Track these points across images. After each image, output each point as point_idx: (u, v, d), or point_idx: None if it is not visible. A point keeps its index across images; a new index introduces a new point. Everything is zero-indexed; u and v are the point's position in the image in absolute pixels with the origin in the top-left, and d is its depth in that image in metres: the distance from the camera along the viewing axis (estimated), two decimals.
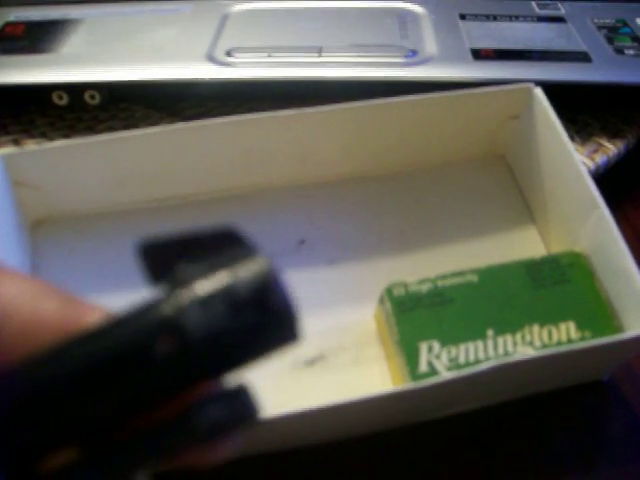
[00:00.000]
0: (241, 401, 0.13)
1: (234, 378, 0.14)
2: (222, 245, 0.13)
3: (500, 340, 0.33)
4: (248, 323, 0.12)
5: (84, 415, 0.13)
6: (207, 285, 0.13)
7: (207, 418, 0.13)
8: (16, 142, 0.47)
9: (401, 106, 0.37)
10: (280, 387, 0.34)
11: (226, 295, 0.12)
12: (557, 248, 0.38)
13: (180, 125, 0.36)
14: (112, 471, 0.13)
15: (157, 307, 0.13)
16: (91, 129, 0.48)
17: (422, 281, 0.34)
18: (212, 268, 0.13)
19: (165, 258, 0.13)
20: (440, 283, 0.34)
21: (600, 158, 0.44)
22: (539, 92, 0.37)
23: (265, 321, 0.13)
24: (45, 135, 0.48)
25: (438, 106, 0.38)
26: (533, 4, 0.51)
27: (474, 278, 0.34)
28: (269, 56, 0.45)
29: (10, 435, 0.12)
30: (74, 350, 0.13)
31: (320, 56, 0.45)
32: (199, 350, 0.12)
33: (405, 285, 0.34)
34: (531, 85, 0.38)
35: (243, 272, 0.13)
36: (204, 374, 0.13)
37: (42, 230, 0.38)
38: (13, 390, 0.13)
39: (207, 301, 0.12)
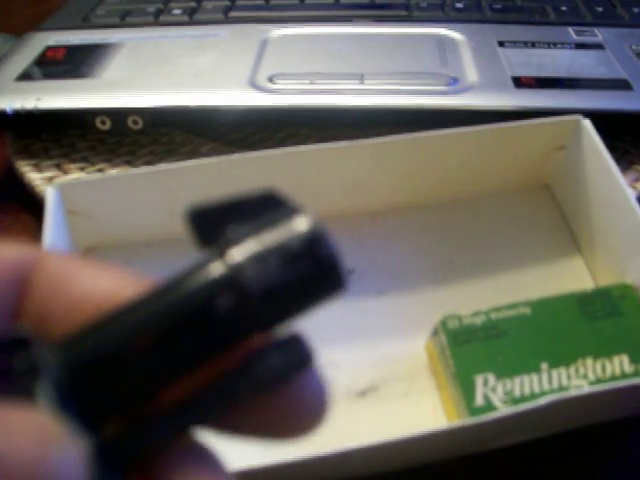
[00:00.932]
0: (296, 349, 0.14)
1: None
2: (267, 206, 0.14)
3: (554, 373, 0.33)
4: (301, 275, 0.13)
5: (150, 373, 0.13)
6: (259, 242, 0.13)
7: (266, 366, 0.14)
8: (58, 167, 0.48)
9: (450, 138, 0.37)
10: (332, 418, 0.34)
11: (278, 250, 0.13)
12: (604, 279, 0.38)
13: (234, 156, 0.36)
14: (176, 424, 0.14)
15: (214, 265, 0.13)
16: (132, 154, 0.48)
17: (476, 313, 0.34)
18: (262, 226, 0.14)
19: (213, 222, 0.14)
20: (494, 315, 0.34)
21: None
22: (587, 123, 0.38)
23: (316, 272, 0.13)
24: (86, 159, 0.48)
25: (486, 138, 0.38)
26: (570, 30, 0.52)
27: (527, 310, 0.34)
28: (311, 83, 0.46)
29: (80, 395, 0.13)
30: (137, 310, 0.14)
31: (362, 83, 0.45)
32: (257, 303, 0.13)
33: (459, 317, 0.34)
34: (580, 117, 0.38)
35: (291, 228, 0.13)
36: (261, 326, 0.14)
37: (93, 257, 0.38)
38: (79, 352, 0.13)
39: (261, 257, 0.13)
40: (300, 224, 0.13)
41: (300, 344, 0.14)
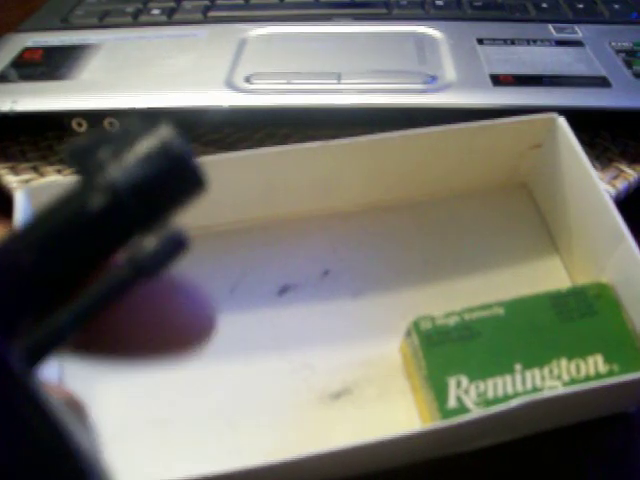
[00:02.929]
0: (173, 237, 0.15)
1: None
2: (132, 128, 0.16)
3: (528, 374, 0.33)
4: (160, 171, 0.15)
5: (47, 276, 0.15)
6: (120, 149, 0.15)
7: (145, 252, 0.15)
8: (35, 169, 0.47)
9: (424, 137, 0.37)
10: (306, 420, 0.34)
11: (137, 153, 0.15)
12: (581, 278, 0.38)
13: (204, 158, 0.36)
14: (74, 316, 0.15)
15: (84, 178, 0.15)
16: None
17: (449, 314, 0.34)
18: (122, 138, 0.15)
19: (88, 152, 0.15)
20: (467, 316, 0.34)
21: (621, 184, 0.44)
22: (563, 122, 0.37)
23: (173, 168, 0.15)
24: (64, 162, 0.48)
25: (461, 137, 0.37)
26: (550, 27, 0.51)
27: (500, 311, 0.34)
28: (288, 83, 0.45)
29: None
30: (28, 224, 0.15)
31: (339, 83, 0.45)
32: (127, 199, 0.15)
33: (432, 319, 0.34)
34: (555, 115, 0.37)
35: (147, 135, 0.15)
36: (137, 223, 0.15)
37: None
38: None
39: (123, 159, 0.15)
40: (154, 131, 0.15)
41: (176, 233, 0.15)
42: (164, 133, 0.15)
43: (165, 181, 0.15)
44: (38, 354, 0.15)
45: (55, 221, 0.15)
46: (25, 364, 0.14)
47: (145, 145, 0.15)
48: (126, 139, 0.15)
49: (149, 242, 0.15)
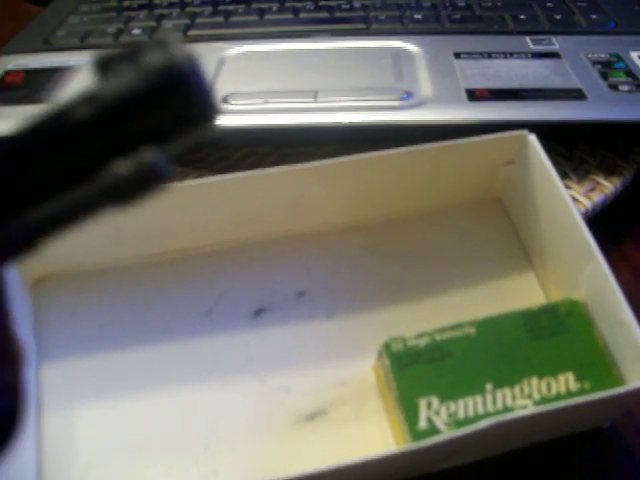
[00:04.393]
0: (150, 165, 0.14)
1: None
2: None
3: (499, 394, 0.33)
4: (154, 86, 0.14)
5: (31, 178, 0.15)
6: (115, 58, 0.14)
7: (114, 173, 0.14)
8: None
9: (396, 157, 0.37)
10: (281, 442, 0.34)
11: (132, 62, 0.14)
12: (556, 293, 0.38)
13: (176, 184, 0.36)
14: (38, 225, 0.15)
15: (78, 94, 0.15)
16: None
17: (420, 335, 0.34)
18: (122, 51, 0.15)
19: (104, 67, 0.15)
20: (438, 337, 0.34)
21: (597, 197, 0.44)
22: (533, 139, 0.37)
23: (171, 86, 0.14)
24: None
25: (433, 156, 0.38)
26: (527, 39, 0.52)
27: (472, 331, 0.34)
28: (265, 102, 0.45)
29: None
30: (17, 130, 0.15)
31: (316, 101, 0.45)
32: (108, 112, 0.14)
33: (403, 340, 0.34)
34: (525, 132, 0.38)
35: (151, 46, 0.14)
36: (117, 141, 0.14)
37: (44, 287, 0.38)
38: None
39: (115, 69, 0.14)
40: (162, 44, 0.14)
41: (156, 162, 0.14)
42: (173, 50, 0.14)
43: (159, 99, 0.14)
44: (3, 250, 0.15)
45: (42, 124, 0.15)
46: None
47: (146, 59, 0.14)
48: (133, 53, 0.14)
49: (122, 166, 0.14)
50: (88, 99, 0.14)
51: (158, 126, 0.14)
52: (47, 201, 0.15)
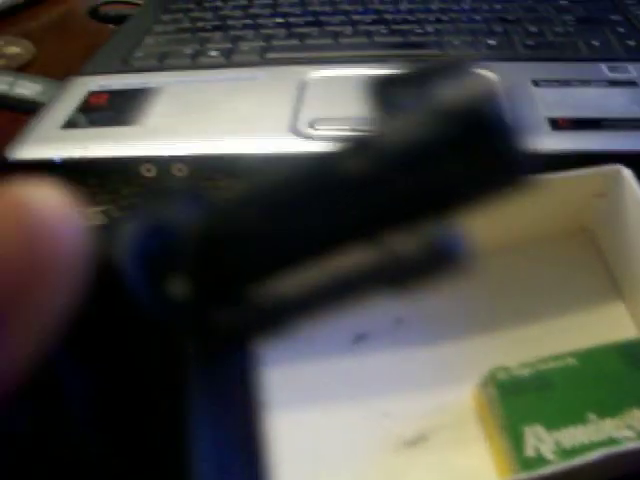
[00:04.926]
0: (442, 244, 0.12)
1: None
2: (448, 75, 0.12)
3: (602, 424, 0.34)
4: (449, 134, 0.11)
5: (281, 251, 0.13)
6: (396, 84, 0.12)
7: (395, 253, 0.12)
8: (106, 214, 0.49)
9: None
10: (383, 467, 0.35)
11: (426, 104, 0.11)
12: None
13: None
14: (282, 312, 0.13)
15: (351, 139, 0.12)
16: None
17: (523, 365, 0.35)
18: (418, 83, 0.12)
19: (391, 92, 0.12)
20: (541, 367, 0.35)
21: None
22: (628, 173, 0.38)
23: (478, 136, 0.11)
24: (133, 206, 0.49)
25: (526, 191, 0.38)
26: (603, 66, 0.52)
27: (573, 361, 0.35)
28: (353, 129, 0.46)
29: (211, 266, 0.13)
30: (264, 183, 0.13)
31: None
32: (393, 170, 0.11)
33: (507, 369, 0.35)
34: (620, 167, 0.38)
35: (444, 73, 0.11)
36: (399, 209, 0.12)
37: None
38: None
39: (404, 112, 0.11)
40: (465, 81, 0.11)
41: (449, 240, 0.12)
42: (477, 85, 0.11)
43: (458, 151, 0.11)
44: (234, 337, 0.13)
45: (302, 177, 0.12)
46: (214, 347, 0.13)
47: (444, 97, 0.11)
48: (424, 84, 0.12)
49: (406, 243, 0.12)
50: (363, 147, 0.12)
51: (450, 188, 0.12)
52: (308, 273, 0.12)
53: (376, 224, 0.12)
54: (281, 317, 0.13)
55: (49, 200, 0.12)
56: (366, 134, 0.12)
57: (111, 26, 0.73)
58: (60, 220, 0.12)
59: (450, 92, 0.11)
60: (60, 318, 0.12)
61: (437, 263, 0.12)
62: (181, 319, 0.13)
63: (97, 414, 0.13)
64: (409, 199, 0.12)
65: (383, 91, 0.12)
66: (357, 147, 0.12)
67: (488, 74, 0.12)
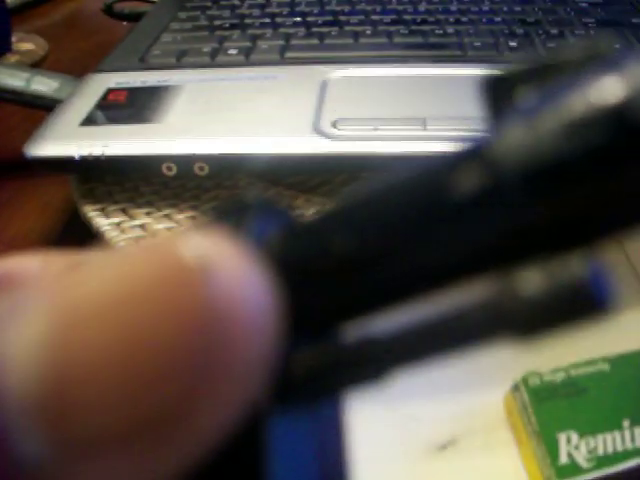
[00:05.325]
0: (587, 278, 0.09)
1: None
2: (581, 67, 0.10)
3: (637, 431, 0.33)
4: (590, 147, 0.09)
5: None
6: (526, 78, 0.10)
7: (523, 292, 0.09)
8: (124, 211, 0.49)
9: None
10: (415, 472, 0.35)
11: (557, 109, 0.09)
12: None
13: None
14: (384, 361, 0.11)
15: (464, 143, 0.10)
16: (197, 198, 0.49)
17: (555, 370, 0.35)
18: (549, 87, 0.10)
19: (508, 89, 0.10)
20: (573, 372, 0.35)
21: None
22: None
23: (623, 155, 0.09)
24: (152, 204, 0.49)
25: None
26: None
27: (605, 367, 0.35)
28: (375, 129, 0.46)
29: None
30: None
31: (424, 129, 0.46)
32: (519, 188, 0.09)
33: (540, 375, 0.34)
34: None
35: (589, 83, 0.09)
36: (531, 234, 0.09)
37: None
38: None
39: (534, 120, 0.09)
40: (603, 79, 0.09)
41: (596, 277, 0.09)
42: (620, 87, 0.09)
43: (614, 171, 0.09)
44: (314, 382, 0.11)
45: (393, 196, 0.10)
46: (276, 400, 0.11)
47: (578, 101, 0.09)
48: (554, 85, 0.09)
49: (535, 279, 0.09)
50: (481, 161, 0.10)
51: (599, 217, 0.09)
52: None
53: (492, 256, 0.10)
54: (373, 363, 0.11)
55: (225, 259, 0.09)
56: (480, 143, 0.10)
57: (125, 23, 0.73)
58: (246, 293, 0.09)
59: (598, 88, 0.09)
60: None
61: (577, 307, 0.09)
62: None
63: None
64: (536, 228, 0.09)
65: (500, 91, 0.10)
66: (470, 158, 0.10)
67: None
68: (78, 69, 0.58)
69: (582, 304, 0.09)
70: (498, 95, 0.11)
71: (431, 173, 0.10)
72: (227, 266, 0.09)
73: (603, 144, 0.09)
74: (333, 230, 0.11)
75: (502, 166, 0.09)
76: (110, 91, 0.53)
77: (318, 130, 0.47)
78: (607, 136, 0.09)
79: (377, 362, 0.11)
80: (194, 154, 0.46)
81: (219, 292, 0.08)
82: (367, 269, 0.10)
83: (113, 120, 0.50)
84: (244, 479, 0.11)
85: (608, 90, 0.09)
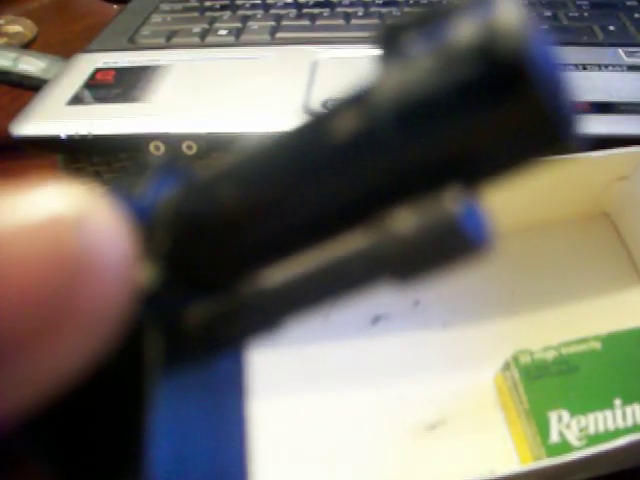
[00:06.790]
0: (451, 220, 0.09)
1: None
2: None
3: (628, 410, 0.33)
4: (461, 81, 0.09)
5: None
6: (408, 27, 0.10)
7: (396, 230, 0.09)
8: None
9: None
10: (404, 452, 0.34)
11: (438, 43, 0.09)
12: None
13: None
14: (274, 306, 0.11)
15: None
16: None
17: (547, 349, 0.34)
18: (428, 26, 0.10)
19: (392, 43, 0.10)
20: (564, 350, 0.34)
21: None
22: None
23: (513, 87, 0.08)
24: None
25: (547, 170, 0.38)
26: (620, 51, 0.52)
27: (597, 345, 0.34)
28: None
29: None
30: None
31: None
32: (389, 131, 0.09)
33: (531, 353, 0.34)
34: None
35: (468, 10, 0.09)
36: (400, 177, 0.10)
37: None
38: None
39: (408, 62, 0.09)
40: (485, 14, 0.09)
41: (467, 214, 0.09)
42: (509, 17, 0.08)
43: (481, 107, 0.09)
44: (210, 334, 0.11)
45: (279, 148, 0.11)
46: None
47: (447, 40, 0.09)
48: (431, 28, 0.09)
49: (408, 219, 0.09)
50: (357, 104, 0.10)
51: (472, 154, 0.09)
52: (290, 264, 0.11)
53: (373, 198, 0.10)
54: (266, 312, 0.11)
55: (96, 214, 0.09)
56: (360, 88, 0.10)
57: (116, 6, 0.72)
58: (110, 251, 0.09)
59: (470, 26, 0.09)
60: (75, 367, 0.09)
61: (452, 245, 0.09)
62: (150, 310, 0.11)
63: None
64: (413, 166, 0.09)
65: (391, 39, 0.10)
66: (349, 103, 0.10)
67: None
68: (67, 52, 0.57)
69: (456, 242, 0.09)
70: (388, 43, 0.10)
71: (316, 122, 0.10)
72: (94, 221, 0.09)
73: (469, 79, 0.09)
74: (221, 184, 0.11)
75: (377, 107, 0.09)
76: (98, 71, 0.52)
77: (308, 110, 0.46)
78: (472, 71, 0.09)
79: (270, 311, 0.11)
80: (182, 133, 0.46)
81: (80, 242, 0.09)
82: (254, 219, 0.11)
83: (101, 99, 0.50)
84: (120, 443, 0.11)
85: (474, 27, 0.09)
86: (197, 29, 0.57)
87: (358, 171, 0.10)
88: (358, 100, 0.10)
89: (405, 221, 0.09)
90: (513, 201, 0.39)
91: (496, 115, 0.09)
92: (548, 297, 0.39)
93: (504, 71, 0.09)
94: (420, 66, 0.09)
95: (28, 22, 0.72)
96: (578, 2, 0.58)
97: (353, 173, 0.10)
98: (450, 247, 0.09)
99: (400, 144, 0.09)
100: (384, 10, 0.58)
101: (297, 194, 0.10)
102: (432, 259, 0.10)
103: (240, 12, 0.59)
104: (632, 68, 0.49)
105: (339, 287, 0.10)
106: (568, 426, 0.32)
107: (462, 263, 0.10)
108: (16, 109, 0.49)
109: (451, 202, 0.09)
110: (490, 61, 0.09)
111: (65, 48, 0.59)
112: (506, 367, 0.34)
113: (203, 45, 0.55)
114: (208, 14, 0.59)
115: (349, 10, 0.58)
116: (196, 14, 0.60)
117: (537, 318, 0.38)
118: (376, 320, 0.38)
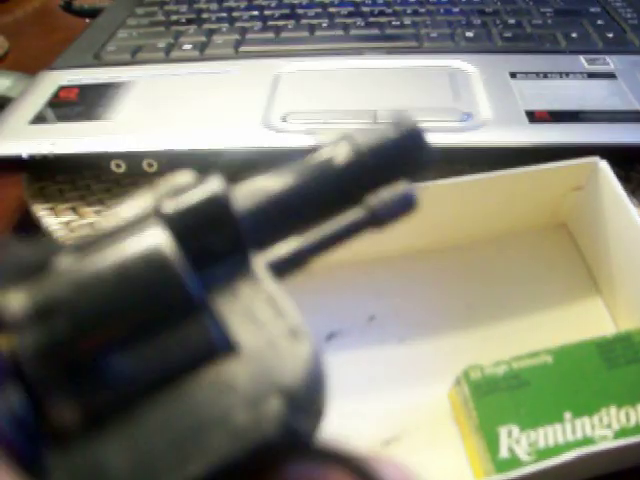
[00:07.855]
0: (405, 193, 0.18)
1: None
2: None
3: (578, 423, 0.33)
4: (396, 140, 0.18)
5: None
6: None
7: (381, 200, 0.17)
8: (74, 210, 0.48)
9: (465, 185, 0.37)
10: None
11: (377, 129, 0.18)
12: (625, 320, 0.38)
13: None
14: (302, 251, 0.18)
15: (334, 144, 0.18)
16: None
17: (498, 363, 0.34)
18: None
19: None
20: (515, 365, 0.34)
21: None
22: (605, 165, 0.38)
23: (406, 139, 0.18)
24: (102, 202, 0.48)
25: (504, 183, 0.38)
26: (581, 58, 0.52)
27: (548, 359, 0.34)
28: (325, 122, 0.46)
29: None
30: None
31: (375, 122, 0.45)
32: (367, 156, 0.17)
33: (481, 368, 0.34)
34: (597, 159, 0.38)
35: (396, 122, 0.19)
36: (372, 178, 0.18)
37: None
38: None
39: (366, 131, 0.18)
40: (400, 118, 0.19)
41: (409, 192, 0.18)
42: (407, 120, 0.19)
43: (398, 148, 0.18)
44: (280, 269, 0.17)
45: (306, 168, 0.18)
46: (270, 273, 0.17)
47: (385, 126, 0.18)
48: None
49: (384, 194, 0.18)
50: (349, 145, 0.18)
51: (401, 167, 0.18)
52: (320, 228, 0.18)
53: (360, 190, 0.18)
54: (302, 257, 0.19)
55: None
56: (346, 134, 0.18)
57: (87, 20, 0.72)
58: None
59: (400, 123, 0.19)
60: None
61: (401, 206, 0.18)
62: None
63: None
64: (377, 173, 0.18)
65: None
66: (341, 141, 0.18)
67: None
68: (39, 67, 0.57)
69: (403, 204, 0.18)
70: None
71: (321, 151, 0.19)
72: None
73: (401, 138, 0.19)
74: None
75: (361, 144, 0.18)
76: (62, 88, 0.52)
77: (267, 124, 0.46)
78: (403, 135, 0.19)
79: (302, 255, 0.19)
80: (142, 151, 0.46)
81: None
82: None
83: (63, 118, 0.50)
84: None
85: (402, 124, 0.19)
86: (162, 44, 0.57)
87: (354, 178, 0.18)
88: (350, 141, 0.18)
89: (382, 194, 0.18)
90: (470, 213, 0.40)
91: (408, 153, 0.19)
92: (504, 310, 0.39)
93: (411, 137, 0.19)
94: (381, 131, 0.19)
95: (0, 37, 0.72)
96: (542, 9, 0.58)
97: (349, 180, 0.18)
98: (402, 206, 0.18)
99: (373, 163, 0.18)
100: (349, 21, 0.58)
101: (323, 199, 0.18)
102: (393, 214, 0.18)
103: (205, 26, 0.59)
104: (592, 75, 0.50)
105: (346, 236, 0.18)
106: (518, 441, 0.32)
107: (409, 215, 0.18)
108: None
109: (401, 186, 0.18)
110: (407, 133, 0.19)
111: (37, 63, 0.59)
112: (457, 383, 0.34)
113: (168, 60, 0.55)
114: (174, 28, 0.59)
115: (314, 22, 0.58)
116: (162, 28, 0.60)
117: (492, 331, 0.38)
118: (330, 336, 0.38)
